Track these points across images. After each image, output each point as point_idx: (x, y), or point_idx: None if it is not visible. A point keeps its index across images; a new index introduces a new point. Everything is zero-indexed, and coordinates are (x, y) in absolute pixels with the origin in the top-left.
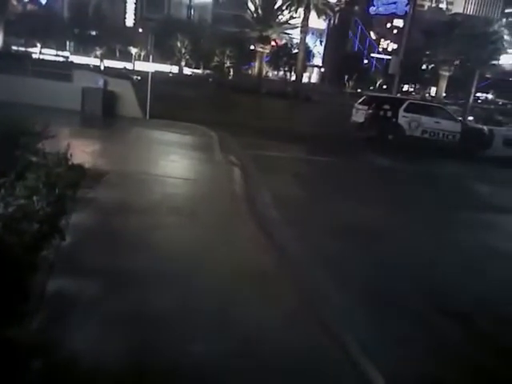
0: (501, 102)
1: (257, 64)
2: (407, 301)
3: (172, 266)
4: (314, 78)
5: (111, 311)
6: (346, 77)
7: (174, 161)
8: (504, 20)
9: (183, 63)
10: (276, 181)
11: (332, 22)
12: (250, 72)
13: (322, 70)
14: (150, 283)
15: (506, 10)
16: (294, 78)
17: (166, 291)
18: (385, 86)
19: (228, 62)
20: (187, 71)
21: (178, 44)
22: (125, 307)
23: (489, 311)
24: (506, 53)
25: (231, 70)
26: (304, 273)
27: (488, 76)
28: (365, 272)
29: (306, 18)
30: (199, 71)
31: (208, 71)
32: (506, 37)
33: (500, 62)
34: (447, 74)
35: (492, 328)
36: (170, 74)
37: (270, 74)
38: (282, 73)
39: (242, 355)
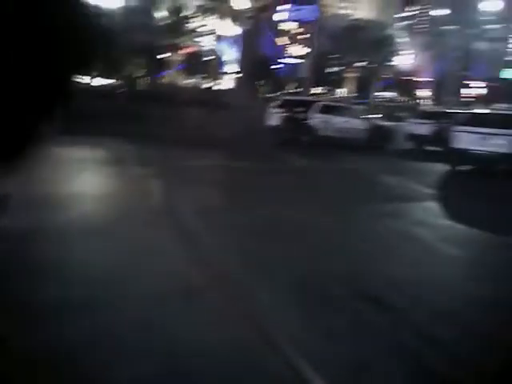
0: (398, 99)
1: (169, 72)
2: (327, 286)
3: None
4: (230, 85)
5: None
6: (261, 82)
7: (87, 178)
8: (401, 23)
9: (94, 73)
10: (194, 190)
11: (245, 28)
12: (163, 81)
13: (238, 76)
14: None
15: (403, 14)
16: (209, 85)
17: None
18: (298, 89)
19: (139, 72)
20: (99, 82)
21: None
22: None
23: (400, 293)
24: (401, 54)
25: (143, 80)
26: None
27: (388, 76)
28: (291, 263)
29: (217, 26)
30: (111, 82)
31: (119, 81)
32: (399, 39)
33: (397, 63)
34: (353, 75)
35: (402, 306)
36: (80, 85)
37: (184, 82)
38: (196, 80)
39: None
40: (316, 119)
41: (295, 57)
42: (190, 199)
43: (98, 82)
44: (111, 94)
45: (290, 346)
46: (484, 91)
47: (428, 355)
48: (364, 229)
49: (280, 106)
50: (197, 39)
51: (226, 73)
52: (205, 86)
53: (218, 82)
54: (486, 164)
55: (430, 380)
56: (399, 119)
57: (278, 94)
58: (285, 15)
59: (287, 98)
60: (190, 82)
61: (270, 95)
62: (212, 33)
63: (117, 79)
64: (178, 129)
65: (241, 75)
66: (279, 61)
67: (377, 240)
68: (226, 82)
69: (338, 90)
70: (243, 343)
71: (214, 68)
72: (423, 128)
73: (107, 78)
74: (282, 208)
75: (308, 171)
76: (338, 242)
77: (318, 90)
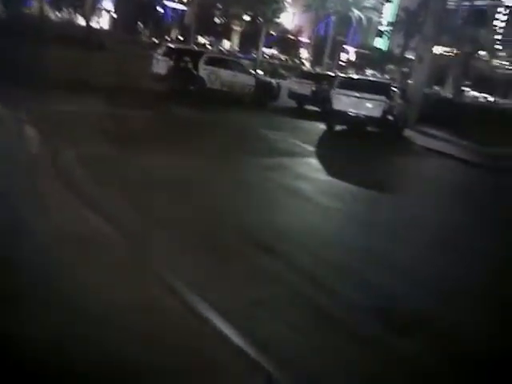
0: (283, 57)
1: (37, 3)
2: (219, 236)
3: None
4: (105, 24)
5: None
6: (141, 25)
7: None
8: None
9: None
10: (78, 138)
11: None
12: (28, 12)
13: (114, 15)
14: None
15: None
16: (81, 22)
17: None
18: (181, 37)
19: None
20: None
21: None
22: None
23: (288, 241)
24: (287, 11)
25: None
26: None
27: (272, 33)
28: (179, 214)
29: None
30: None
31: None
32: None
33: (281, 21)
34: (239, 28)
35: (291, 253)
36: None
37: (53, 16)
38: (66, 15)
39: None
40: (204, 71)
41: (182, 2)
42: (69, 148)
43: None
44: None
45: (187, 289)
46: (357, 57)
47: (313, 293)
48: (250, 181)
49: (165, 54)
50: None
51: (104, 9)
52: (79, 22)
53: (93, 18)
54: (358, 125)
55: (312, 311)
56: (282, 77)
57: (161, 40)
58: None
59: (174, 45)
60: (63, 16)
61: (153, 40)
62: None
63: None
64: (52, 69)
65: (119, 15)
66: (165, 4)
67: (262, 192)
68: (103, 21)
69: (224, 43)
70: (141, 290)
71: (89, 2)
72: (304, 88)
73: None
74: (166, 158)
75: (194, 122)
76: (225, 193)
77: (203, 40)
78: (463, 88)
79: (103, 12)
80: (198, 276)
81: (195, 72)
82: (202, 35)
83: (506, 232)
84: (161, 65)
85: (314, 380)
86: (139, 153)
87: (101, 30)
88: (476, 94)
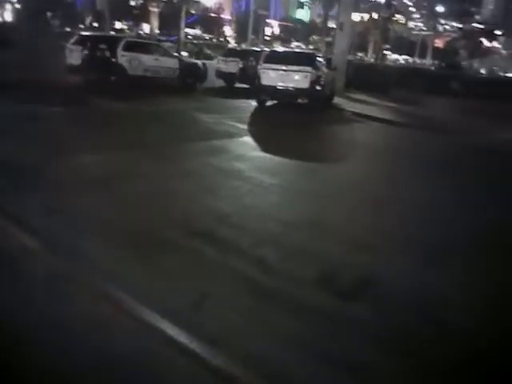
0: (207, 36)
1: None
2: (157, 229)
3: None
4: (9, 17)
5: None
6: (50, 14)
7: None
8: None
9: None
10: None
11: None
12: None
13: (18, 6)
14: None
15: None
16: None
17: None
18: (96, 24)
19: None
20: None
21: None
22: None
23: (228, 224)
24: None
25: None
26: None
27: (193, 12)
28: (115, 209)
29: None
30: None
31: None
32: None
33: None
34: (156, 10)
35: (231, 236)
36: None
37: None
38: None
39: None
40: (123, 57)
41: None
42: None
43: None
44: None
45: (123, 291)
46: (281, 30)
47: (260, 276)
48: (186, 167)
49: (79, 43)
50: None
51: (8, 1)
52: None
53: None
54: (288, 98)
55: (260, 296)
56: (208, 57)
57: (74, 28)
58: None
59: (86, 33)
60: None
61: (64, 30)
62: None
63: None
64: None
65: (24, 5)
66: None
67: (200, 177)
68: (6, 14)
69: (143, 26)
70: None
71: None
72: (232, 66)
73: None
74: (103, 152)
75: (118, 114)
76: (162, 182)
77: (122, 25)
78: (384, 52)
79: (6, 4)
80: (133, 271)
81: (114, 60)
82: (118, 20)
83: (431, 176)
84: (75, 55)
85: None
86: (55, 155)
87: (4, 24)
88: (397, 56)
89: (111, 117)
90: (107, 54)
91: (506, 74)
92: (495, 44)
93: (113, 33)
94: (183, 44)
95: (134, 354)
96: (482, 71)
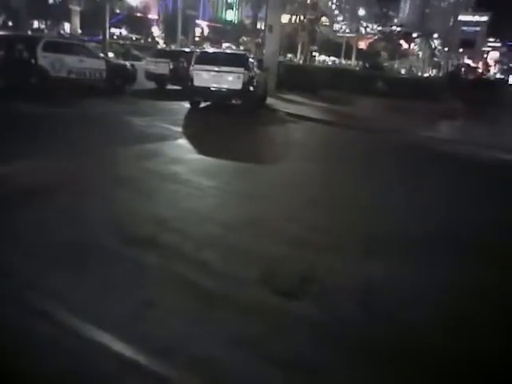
0: (134, 37)
1: None
2: (95, 237)
3: None
4: None
5: None
6: None
7: None
8: None
9: None
10: None
11: None
12: None
13: None
14: None
15: None
16: None
17: None
18: (10, 23)
19: None
20: None
21: None
22: None
23: (168, 229)
24: None
25: None
26: None
27: (118, 11)
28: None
29: None
30: None
31: None
32: None
33: None
34: (78, 8)
35: (172, 242)
36: None
37: None
38: None
39: None
40: (44, 59)
41: None
42: None
43: None
44: None
45: (60, 309)
46: (210, 31)
47: (204, 280)
48: (120, 172)
49: None
50: None
51: None
52: None
53: None
54: (221, 99)
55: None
56: (136, 58)
57: None
58: None
59: (1, 33)
60: None
61: None
62: None
63: None
64: None
65: None
66: None
67: (136, 182)
68: None
69: (64, 26)
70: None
71: None
72: (162, 67)
73: None
74: (23, 162)
75: (45, 118)
76: (96, 189)
77: (39, 24)
78: (312, 53)
79: None
80: (69, 283)
81: (33, 61)
82: (36, 19)
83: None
84: None
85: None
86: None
87: None
88: (324, 57)
89: (32, 121)
90: (25, 54)
91: (424, 74)
92: (413, 46)
93: (30, 32)
94: (109, 44)
95: (76, 371)
96: (402, 71)
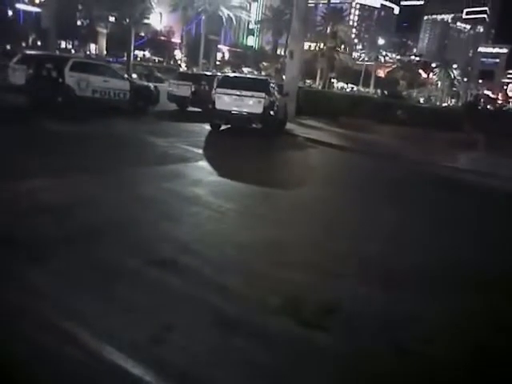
0: (157, 59)
1: None
2: (118, 259)
3: None
4: None
5: None
6: None
7: None
8: None
9: None
10: None
11: None
12: None
13: None
14: None
15: None
16: None
17: None
18: (39, 43)
19: None
20: None
21: None
22: None
23: (191, 253)
24: (155, 12)
25: None
26: None
27: (142, 35)
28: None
29: None
30: None
31: None
32: None
33: (151, 21)
34: (105, 31)
35: (195, 265)
36: None
37: None
38: None
39: None
40: (71, 78)
41: (36, 4)
42: None
43: None
44: None
45: (89, 331)
46: (231, 56)
47: (224, 305)
48: (142, 193)
49: (22, 62)
50: None
51: None
52: None
53: None
54: (242, 123)
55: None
56: (159, 80)
57: (15, 47)
58: None
59: (32, 52)
60: None
61: (7, 47)
62: None
63: None
64: None
65: None
66: (15, 6)
67: (157, 203)
68: None
69: (90, 47)
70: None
71: None
72: (184, 89)
73: None
74: (50, 178)
75: (70, 136)
76: (118, 209)
77: (66, 44)
78: (331, 80)
79: None
80: (91, 303)
81: (61, 80)
82: (64, 39)
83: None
84: (18, 74)
85: None
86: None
87: None
88: (342, 84)
89: (59, 139)
90: (54, 73)
91: (443, 104)
92: (431, 75)
93: (58, 52)
94: (133, 66)
95: None
96: (421, 100)
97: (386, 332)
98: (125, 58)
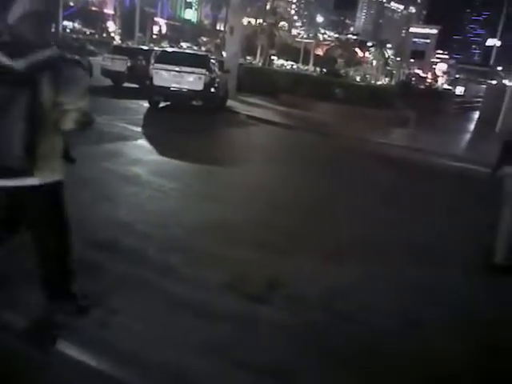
0: (88, 31)
1: None
2: None
3: None
4: None
5: None
6: None
7: None
8: None
9: None
10: None
11: None
12: None
13: None
14: None
15: None
16: None
17: None
18: None
19: None
20: None
21: None
22: None
23: (131, 233)
24: None
25: None
26: None
27: (72, 4)
28: None
29: None
30: None
31: None
32: None
33: None
34: None
35: (138, 245)
36: None
37: None
38: None
39: None
40: None
41: None
42: None
43: None
44: None
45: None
46: (168, 30)
47: (170, 285)
48: (80, 173)
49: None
50: None
51: None
52: None
53: None
54: (182, 100)
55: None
56: (92, 54)
57: None
58: None
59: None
60: None
61: None
62: None
63: None
64: None
65: None
66: None
67: (96, 183)
68: None
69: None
70: None
71: None
72: (119, 64)
73: None
74: None
75: None
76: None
77: None
78: (271, 57)
79: None
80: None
81: None
82: None
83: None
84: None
85: None
86: None
87: None
88: (283, 61)
89: None
90: None
91: (377, 82)
92: (367, 54)
93: None
94: (62, 37)
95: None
96: (357, 79)
97: (328, 303)
98: (52, 29)
